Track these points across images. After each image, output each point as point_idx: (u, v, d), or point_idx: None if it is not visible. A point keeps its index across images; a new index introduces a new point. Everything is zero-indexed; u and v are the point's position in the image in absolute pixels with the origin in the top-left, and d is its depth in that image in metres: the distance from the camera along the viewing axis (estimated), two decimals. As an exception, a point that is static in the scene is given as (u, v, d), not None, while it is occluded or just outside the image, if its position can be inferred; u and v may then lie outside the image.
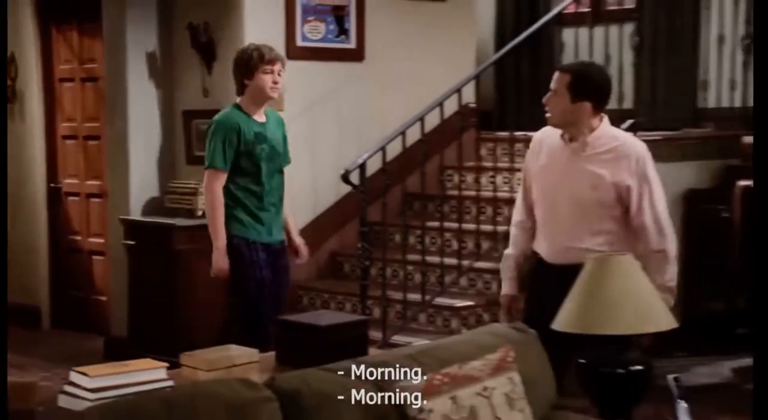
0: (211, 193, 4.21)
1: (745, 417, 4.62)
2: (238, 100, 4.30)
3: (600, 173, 3.49)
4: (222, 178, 4.20)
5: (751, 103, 6.02)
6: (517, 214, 3.79)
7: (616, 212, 3.52)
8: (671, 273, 3.50)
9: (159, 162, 6.04)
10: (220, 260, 4.24)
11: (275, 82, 4.23)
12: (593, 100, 3.51)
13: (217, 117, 4.28)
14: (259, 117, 4.29)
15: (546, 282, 3.47)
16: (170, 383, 2.71)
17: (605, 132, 3.55)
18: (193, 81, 5.88)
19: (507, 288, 3.78)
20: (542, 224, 3.66)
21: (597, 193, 3.50)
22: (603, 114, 3.57)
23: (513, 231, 3.81)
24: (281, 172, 4.36)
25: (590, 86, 3.53)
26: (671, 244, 3.53)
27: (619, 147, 3.52)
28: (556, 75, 3.58)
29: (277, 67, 4.23)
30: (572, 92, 3.50)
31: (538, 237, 3.69)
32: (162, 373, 2.73)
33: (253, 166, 4.23)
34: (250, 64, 4.21)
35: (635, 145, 3.55)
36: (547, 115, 3.61)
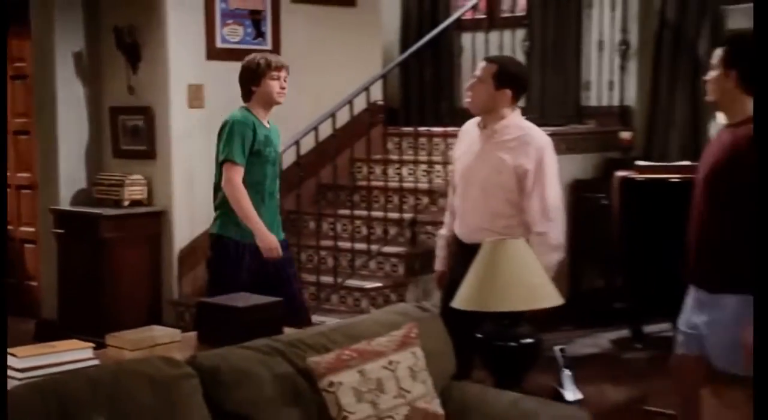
0: (232, 186, 3.99)
1: (621, 382, 4.76)
2: (245, 105, 4.14)
3: (504, 158, 3.51)
4: (240, 172, 4.00)
5: (626, 101, 6.20)
6: (449, 197, 3.83)
7: (517, 197, 3.52)
8: (550, 256, 3.43)
9: (87, 155, 5.88)
10: (266, 239, 4.00)
11: (282, 88, 4.11)
12: (514, 88, 3.56)
13: (232, 116, 4.08)
14: (265, 123, 4.16)
15: (461, 260, 3.45)
16: (96, 362, 2.65)
17: (514, 122, 3.58)
18: (119, 80, 5.74)
19: (437, 265, 3.85)
20: (458, 206, 3.69)
21: (501, 177, 3.52)
22: (517, 107, 3.61)
23: (446, 213, 3.85)
24: (278, 178, 4.23)
25: (513, 76, 3.57)
26: (555, 231, 3.50)
27: (522, 136, 3.54)
28: (483, 65, 3.60)
29: (283, 73, 4.11)
30: (497, 81, 3.53)
31: (456, 218, 3.71)
32: (88, 353, 2.66)
33: (261, 166, 4.07)
34: (258, 71, 4.07)
35: (540, 136, 3.57)
36: (467, 100, 3.63)
